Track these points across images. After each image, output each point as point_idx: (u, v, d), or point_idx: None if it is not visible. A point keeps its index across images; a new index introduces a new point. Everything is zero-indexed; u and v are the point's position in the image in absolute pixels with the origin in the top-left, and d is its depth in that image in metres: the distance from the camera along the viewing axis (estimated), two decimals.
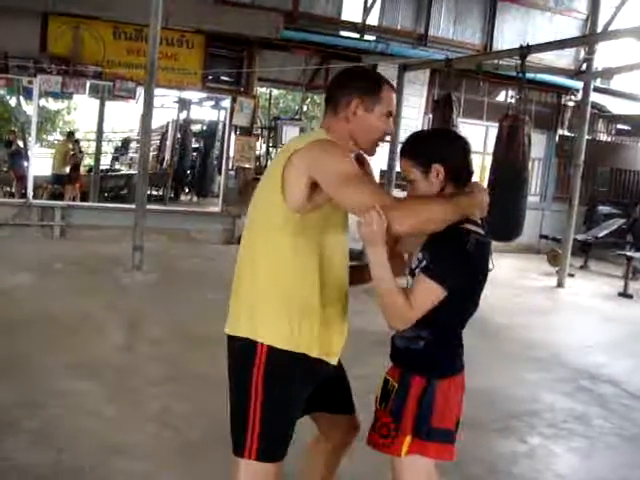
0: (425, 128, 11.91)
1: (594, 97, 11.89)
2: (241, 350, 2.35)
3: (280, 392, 2.33)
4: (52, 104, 20.22)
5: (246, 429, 2.31)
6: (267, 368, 2.30)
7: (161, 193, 15.38)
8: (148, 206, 9.10)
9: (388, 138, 2.53)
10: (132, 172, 14.79)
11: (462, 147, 2.47)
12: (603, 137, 15.73)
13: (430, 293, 2.25)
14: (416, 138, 2.50)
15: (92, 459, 3.66)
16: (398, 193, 11.66)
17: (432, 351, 2.42)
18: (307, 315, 2.34)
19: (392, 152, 11.06)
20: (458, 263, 2.27)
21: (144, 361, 5.43)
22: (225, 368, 2.45)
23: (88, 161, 15.97)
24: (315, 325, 2.36)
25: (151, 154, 13.34)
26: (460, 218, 2.28)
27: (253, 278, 2.36)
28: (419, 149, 2.42)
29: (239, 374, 2.37)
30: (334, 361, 2.45)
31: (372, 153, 2.49)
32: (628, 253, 11.12)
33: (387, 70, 11.69)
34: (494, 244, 8.78)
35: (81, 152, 14.59)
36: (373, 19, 12.68)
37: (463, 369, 2.54)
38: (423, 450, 2.39)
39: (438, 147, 2.42)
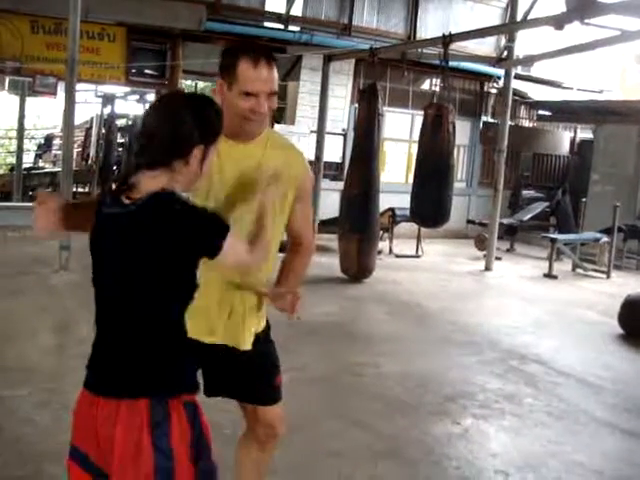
0: (352, 118, 11.99)
1: (515, 84, 12.17)
2: None
3: None
4: None
5: None
6: None
7: (87, 190, 15.07)
8: None
9: (258, 117, 2.35)
10: (56, 169, 14.44)
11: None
12: (525, 123, 16.10)
13: None
14: None
15: (26, 467, 3.56)
16: (327, 183, 11.74)
17: None
18: None
19: (319, 142, 11.13)
20: None
21: (77, 363, 5.30)
22: None
23: (10, 159, 15.52)
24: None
25: (75, 150, 13.07)
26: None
27: None
28: None
29: None
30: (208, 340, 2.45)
31: (240, 134, 2.40)
32: (552, 235, 11.44)
33: (312, 60, 11.75)
34: (423, 231, 8.88)
35: None
36: (297, 10, 12.66)
37: (88, 387, 1.99)
38: None
39: None
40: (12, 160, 15.32)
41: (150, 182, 1.88)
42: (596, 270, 11.00)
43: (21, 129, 14.09)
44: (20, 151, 14.42)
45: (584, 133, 15.91)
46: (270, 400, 2.69)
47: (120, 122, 16.70)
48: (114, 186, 1.95)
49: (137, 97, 15.40)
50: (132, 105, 16.46)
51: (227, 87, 2.34)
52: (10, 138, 17.63)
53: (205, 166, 1.97)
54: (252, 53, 2.31)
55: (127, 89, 14.05)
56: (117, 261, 1.89)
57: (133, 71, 11.31)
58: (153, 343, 1.88)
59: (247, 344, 2.56)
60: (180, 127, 1.88)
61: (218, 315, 2.52)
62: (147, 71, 11.62)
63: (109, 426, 1.83)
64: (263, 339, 2.64)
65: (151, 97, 12.26)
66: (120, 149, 16.08)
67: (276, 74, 2.36)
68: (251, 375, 2.66)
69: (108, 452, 1.84)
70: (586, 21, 7.36)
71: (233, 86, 2.32)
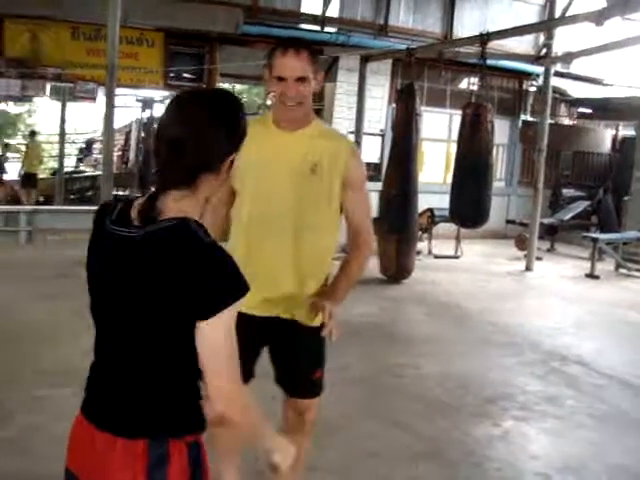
0: (390, 118, 11.95)
1: (555, 82, 12.02)
2: None
3: None
4: (12, 108, 19.96)
5: None
6: None
7: (127, 193, 15.26)
8: None
9: (290, 103, 2.58)
10: (97, 173, 14.66)
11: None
12: (565, 121, 15.90)
13: None
14: None
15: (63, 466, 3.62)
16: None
17: None
18: None
19: (357, 143, 11.14)
20: None
21: None
22: None
23: (52, 163, 15.82)
24: None
25: (115, 154, 13.25)
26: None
27: None
28: None
29: None
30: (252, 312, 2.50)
31: (283, 121, 2.66)
32: (594, 235, 11.27)
33: (349, 61, 11.74)
34: (462, 231, 8.82)
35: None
36: (333, 11, 12.68)
37: (84, 413, 1.79)
38: None
39: None
40: (54, 164, 15.59)
41: (173, 206, 1.62)
42: None
43: (62, 134, 14.34)
44: (62, 155, 14.69)
45: (626, 130, 15.65)
46: (308, 394, 2.78)
47: None
48: (136, 205, 1.65)
49: None
50: None
51: (269, 74, 2.61)
52: (52, 143, 17.95)
53: (232, 170, 1.72)
54: (284, 44, 2.59)
55: (166, 93, 14.19)
56: (116, 287, 1.64)
57: (171, 75, 11.45)
58: (155, 379, 1.65)
59: (309, 318, 2.62)
60: (212, 139, 1.64)
61: (273, 285, 2.60)
62: (185, 75, 11.75)
63: (103, 461, 1.65)
64: (316, 330, 2.59)
65: None
66: None
67: (307, 63, 2.57)
68: (290, 365, 2.77)
69: None
70: (627, 16, 7.25)
71: (272, 72, 2.59)
